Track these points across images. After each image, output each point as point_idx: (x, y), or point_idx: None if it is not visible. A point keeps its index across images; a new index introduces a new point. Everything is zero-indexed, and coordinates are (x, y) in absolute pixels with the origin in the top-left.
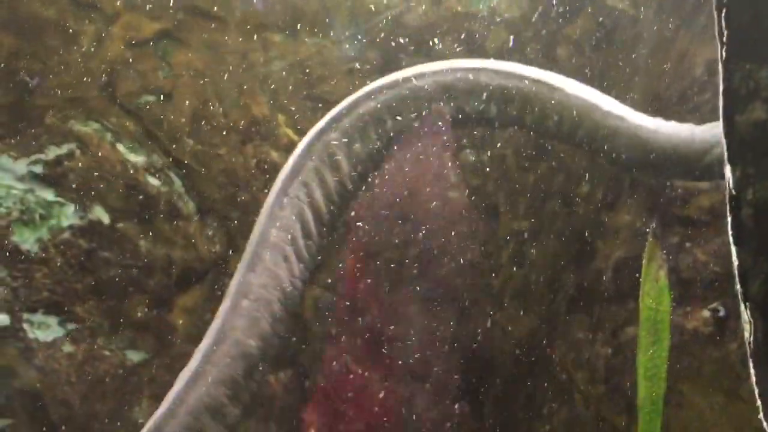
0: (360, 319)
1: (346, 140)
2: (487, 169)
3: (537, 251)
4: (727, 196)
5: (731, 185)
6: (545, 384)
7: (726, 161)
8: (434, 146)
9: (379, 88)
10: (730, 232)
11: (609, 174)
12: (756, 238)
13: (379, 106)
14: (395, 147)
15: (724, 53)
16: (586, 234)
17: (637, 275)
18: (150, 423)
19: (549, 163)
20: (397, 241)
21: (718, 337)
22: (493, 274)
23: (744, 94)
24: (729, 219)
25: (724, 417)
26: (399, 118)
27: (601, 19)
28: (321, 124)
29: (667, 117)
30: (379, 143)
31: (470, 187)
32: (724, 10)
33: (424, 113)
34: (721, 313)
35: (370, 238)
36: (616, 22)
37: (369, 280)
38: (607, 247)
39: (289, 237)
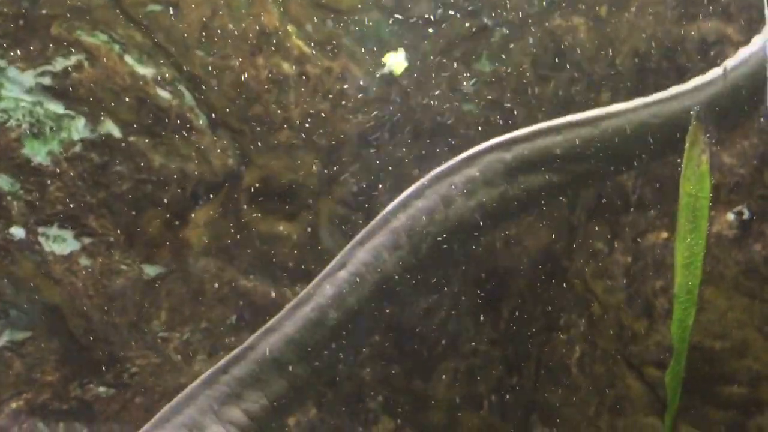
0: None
1: (514, 170)
2: (504, 81)
3: None
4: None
5: None
6: (563, 294)
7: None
8: None
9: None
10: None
11: (630, 82)
12: None
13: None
14: None
15: None
16: None
17: (657, 184)
18: (219, 363)
19: (569, 72)
20: (411, 156)
21: (742, 240)
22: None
23: None
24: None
25: (747, 319)
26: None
27: None
28: (500, 139)
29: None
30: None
31: (486, 98)
32: None
33: None
34: (746, 215)
35: (385, 154)
36: None
37: (382, 197)
38: None
39: (411, 228)
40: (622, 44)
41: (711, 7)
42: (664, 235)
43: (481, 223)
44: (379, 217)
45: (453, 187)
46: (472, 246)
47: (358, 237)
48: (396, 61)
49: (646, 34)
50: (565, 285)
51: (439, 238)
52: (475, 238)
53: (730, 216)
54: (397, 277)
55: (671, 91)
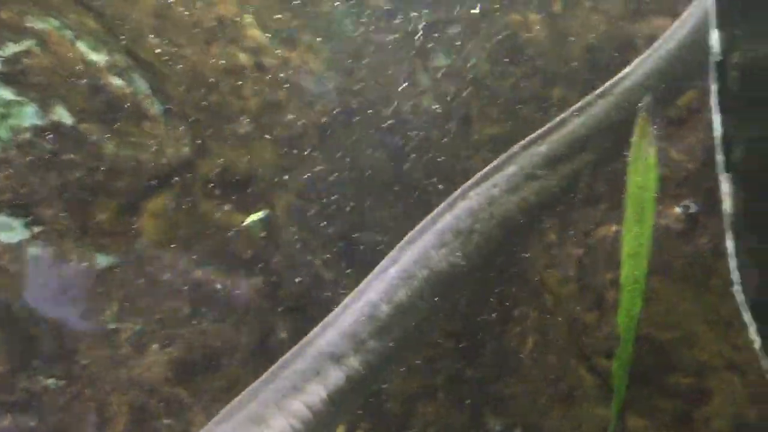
0: (332, 224)
1: (551, 160)
2: (460, 75)
3: None
4: (712, 63)
5: (717, 50)
6: (517, 287)
7: (713, 26)
8: None
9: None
10: (714, 101)
11: (583, 77)
12: (741, 102)
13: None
14: None
15: None
16: None
17: (608, 177)
18: (281, 359)
19: (524, 67)
20: (370, 147)
21: (689, 233)
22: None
23: None
24: (713, 87)
25: (694, 309)
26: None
27: None
28: (533, 135)
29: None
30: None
31: (443, 92)
32: None
33: None
34: (693, 209)
35: (343, 144)
36: None
37: (340, 187)
38: None
39: (457, 228)
40: (575, 40)
41: (660, 5)
42: (615, 228)
43: (526, 217)
44: (427, 218)
45: (495, 186)
46: (520, 240)
47: (407, 237)
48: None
49: (599, 30)
50: (518, 277)
51: (486, 236)
52: (524, 232)
53: (678, 209)
54: (444, 273)
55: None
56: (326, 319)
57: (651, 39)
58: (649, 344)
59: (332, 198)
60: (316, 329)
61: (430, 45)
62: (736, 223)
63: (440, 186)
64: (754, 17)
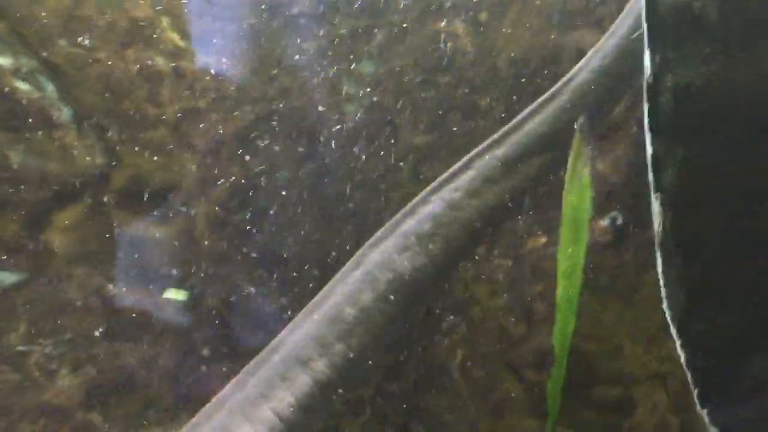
0: (253, 237)
1: (508, 161)
2: (385, 82)
3: (437, 167)
4: (645, 84)
5: (649, 71)
6: (444, 299)
7: (645, 47)
8: None
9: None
10: (645, 120)
11: (511, 86)
12: (673, 125)
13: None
14: None
15: None
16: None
17: (535, 189)
18: (247, 366)
19: (451, 76)
20: (292, 156)
21: (615, 246)
22: (393, 191)
23: None
24: (645, 107)
25: (619, 323)
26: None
27: None
28: (492, 137)
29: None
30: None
31: (368, 100)
32: None
33: None
34: (620, 222)
35: (265, 154)
36: None
37: (263, 198)
38: None
39: (419, 231)
40: (501, 50)
41: (587, 19)
42: (543, 240)
43: (487, 221)
44: (388, 223)
45: (456, 190)
46: (481, 243)
47: (369, 241)
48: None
49: (525, 41)
50: (446, 289)
51: (449, 240)
52: (484, 236)
53: (604, 222)
54: (407, 276)
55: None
56: (290, 324)
57: (578, 51)
58: (578, 357)
59: (254, 209)
60: (280, 335)
61: (354, 52)
62: (665, 243)
63: (366, 194)
64: (685, 40)
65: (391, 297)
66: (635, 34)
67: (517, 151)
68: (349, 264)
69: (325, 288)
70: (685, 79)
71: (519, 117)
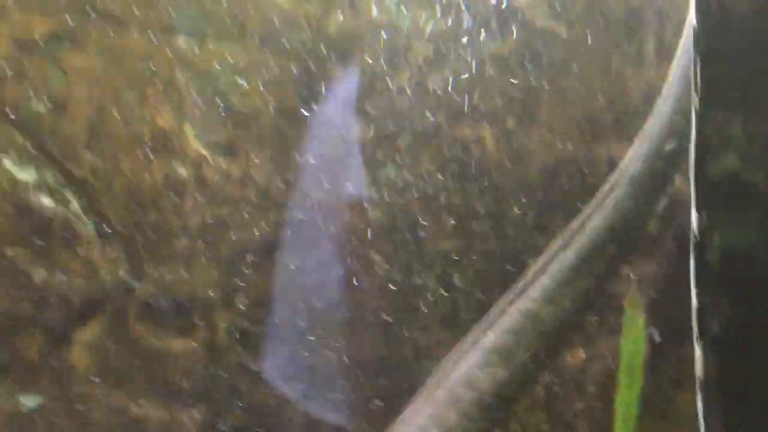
0: (278, 349)
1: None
2: (411, 188)
3: (467, 275)
4: (692, 241)
5: (696, 229)
6: None
7: (692, 205)
8: None
9: None
10: (692, 274)
11: (542, 195)
12: (719, 281)
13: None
14: None
15: (697, 101)
16: (518, 257)
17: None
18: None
19: (477, 183)
20: (316, 265)
21: (651, 362)
22: (419, 297)
23: (716, 143)
24: (692, 262)
25: None
26: None
27: (530, 38)
28: (557, 243)
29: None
30: None
31: (393, 206)
32: (699, 59)
33: None
34: (656, 339)
35: (289, 263)
36: (546, 42)
37: (287, 309)
38: None
39: (499, 346)
40: (531, 158)
41: (617, 129)
42: (582, 356)
43: (565, 327)
44: (467, 338)
45: (531, 299)
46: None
47: (449, 358)
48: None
49: (555, 149)
50: None
51: (530, 352)
52: (563, 342)
53: None
54: (492, 394)
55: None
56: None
57: (610, 161)
58: None
59: (278, 320)
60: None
61: (379, 158)
62: (706, 387)
63: (392, 303)
64: (734, 205)
65: (475, 416)
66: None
67: (585, 250)
68: (429, 383)
69: (408, 408)
70: (733, 241)
71: (581, 215)
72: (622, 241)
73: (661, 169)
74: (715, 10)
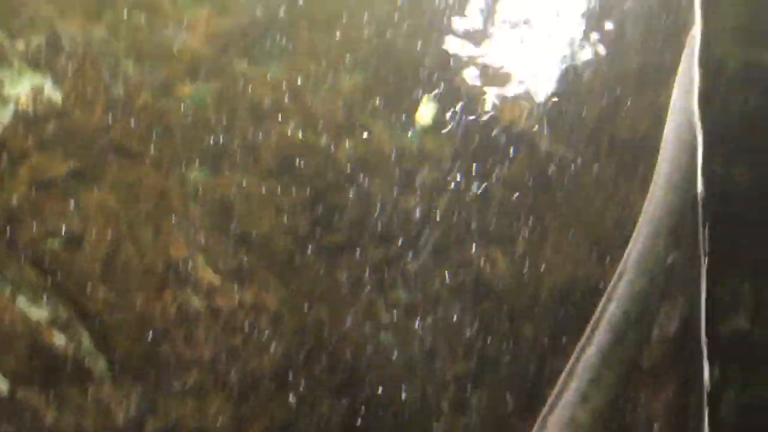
0: None
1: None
2: (421, 309)
3: (482, 397)
4: (706, 393)
5: (708, 382)
6: None
7: (705, 359)
8: None
9: None
10: (706, 424)
11: (554, 315)
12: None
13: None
14: None
15: (707, 264)
16: (532, 379)
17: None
18: None
19: (489, 303)
20: (330, 392)
21: None
22: (434, 422)
23: (727, 304)
24: (706, 413)
25: None
26: None
27: (536, 162)
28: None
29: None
30: None
31: (403, 328)
32: (708, 225)
33: None
34: None
35: (303, 390)
36: (553, 166)
37: None
38: None
39: None
40: (542, 278)
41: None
42: None
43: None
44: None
45: (568, 405)
46: None
47: None
48: None
49: (566, 270)
50: None
51: None
52: None
53: None
54: None
55: None
56: None
57: None
58: None
59: None
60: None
61: (388, 279)
62: None
63: (407, 428)
64: (744, 361)
65: None
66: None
67: (607, 346)
68: None
69: None
70: (745, 397)
71: (600, 305)
72: (638, 327)
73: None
74: (721, 176)
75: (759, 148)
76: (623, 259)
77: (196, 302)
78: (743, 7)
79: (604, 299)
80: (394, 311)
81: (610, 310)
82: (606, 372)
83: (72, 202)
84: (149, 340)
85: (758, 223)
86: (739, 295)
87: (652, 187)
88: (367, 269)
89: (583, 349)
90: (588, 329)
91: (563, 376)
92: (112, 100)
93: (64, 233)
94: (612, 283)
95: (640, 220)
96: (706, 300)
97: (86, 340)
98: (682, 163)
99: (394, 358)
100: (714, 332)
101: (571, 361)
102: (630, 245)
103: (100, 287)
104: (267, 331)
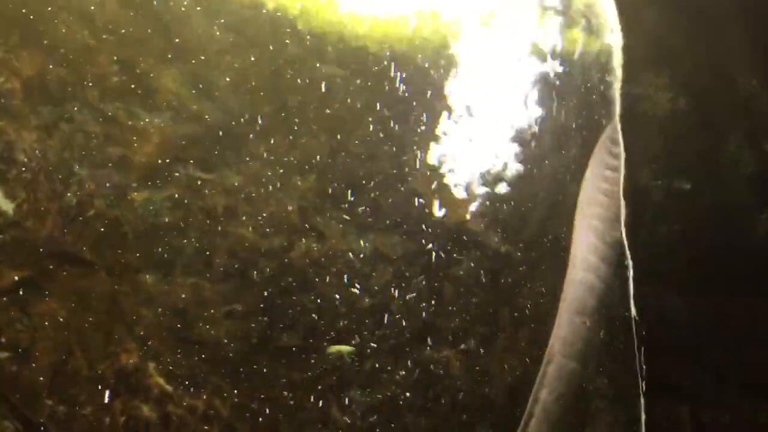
0: None
1: None
2: (377, 410)
3: None
4: None
5: None
6: None
7: None
8: None
9: None
10: None
11: (506, 414)
12: None
13: None
14: None
15: (644, 387)
16: None
17: None
18: None
19: (443, 404)
20: None
21: None
22: None
23: (666, 427)
24: None
25: None
26: None
27: (485, 260)
28: None
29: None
30: None
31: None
32: (643, 350)
33: None
34: None
35: None
36: (501, 263)
37: None
38: None
39: None
40: (493, 378)
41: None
42: None
43: None
44: None
45: None
46: None
47: None
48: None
49: (518, 369)
50: None
51: None
52: None
53: None
54: None
55: None
56: None
57: None
58: None
59: None
60: None
61: (344, 380)
62: None
63: None
64: None
65: None
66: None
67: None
68: None
69: None
70: None
71: (533, 392)
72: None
73: None
74: (653, 302)
75: (686, 273)
76: (549, 345)
77: (146, 411)
78: (660, 138)
79: (535, 386)
80: (350, 411)
81: (543, 396)
82: None
83: (21, 312)
84: None
85: (691, 345)
86: (677, 418)
87: (570, 270)
88: (323, 370)
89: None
90: (525, 417)
91: None
92: (65, 208)
93: (12, 344)
94: (542, 369)
95: (561, 305)
96: (646, 423)
97: None
98: (597, 246)
99: None
100: None
101: None
102: (554, 330)
103: (48, 399)
104: None
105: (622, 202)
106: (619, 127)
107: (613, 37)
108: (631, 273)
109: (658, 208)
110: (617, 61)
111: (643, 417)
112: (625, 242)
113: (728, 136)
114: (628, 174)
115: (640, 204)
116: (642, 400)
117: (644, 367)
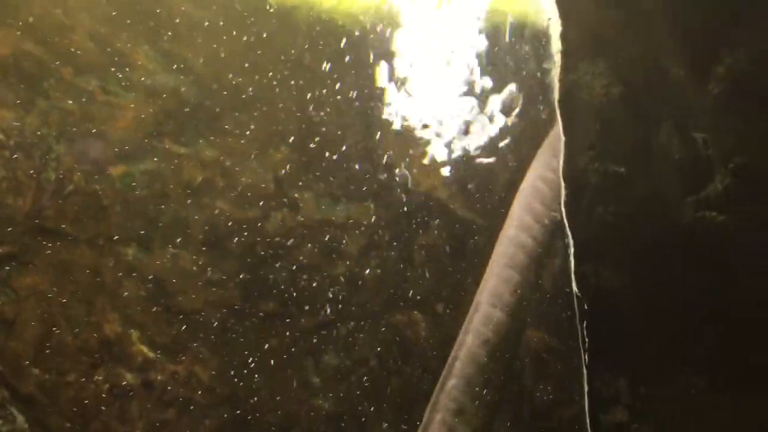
0: None
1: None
2: (351, 374)
3: None
4: None
5: None
6: None
7: None
8: None
9: None
10: None
11: None
12: None
13: None
14: None
15: (586, 359)
16: None
17: None
18: None
19: (414, 366)
20: None
21: None
22: None
23: (606, 397)
24: None
25: None
26: None
27: (453, 227)
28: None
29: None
30: None
31: (335, 392)
32: (585, 323)
33: None
34: None
35: None
36: (467, 230)
37: None
38: None
39: None
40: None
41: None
42: None
43: None
44: None
45: None
46: None
47: None
48: None
49: None
50: None
51: None
52: None
53: None
54: None
55: None
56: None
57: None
58: None
59: None
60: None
61: (319, 345)
62: None
63: None
64: None
65: None
66: None
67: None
68: None
69: None
70: None
71: (459, 338)
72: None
73: None
74: (592, 279)
75: (621, 252)
76: (477, 292)
77: (130, 378)
78: (596, 124)
79: (461, 333)
80: (326, 375)
81: (468, 341)
82: (469, 403)
83: (4, 286)
84: (82, 418)
85: (630, 321)
86: (616, 390)
87: (504, 228)
88: (298, 335)
89: (445, 381)
90: (449, 360)
91: (428, 408)
92: (45, 184)
93: None
94: (468, 316)
95: (492, 258)
96: (588, 393)
97: (20, 421)
98: (535, 208)
99: (325, 420)
100: (596, 425)
101: (434, 393)
102: (482, 280)
103: (34, 369)
104: (200, 402)
105: (562, 183)
106: (558, 112)
107: (552, 24)
108: (572, 250)
109: (595, 191)
110: (555, 47)
111: (586, 387)
112: (565, 222)
113: (660, 123)
114: (568, 157)
115: (578, 185)
116: (584, 371)
117: (586, 340)
